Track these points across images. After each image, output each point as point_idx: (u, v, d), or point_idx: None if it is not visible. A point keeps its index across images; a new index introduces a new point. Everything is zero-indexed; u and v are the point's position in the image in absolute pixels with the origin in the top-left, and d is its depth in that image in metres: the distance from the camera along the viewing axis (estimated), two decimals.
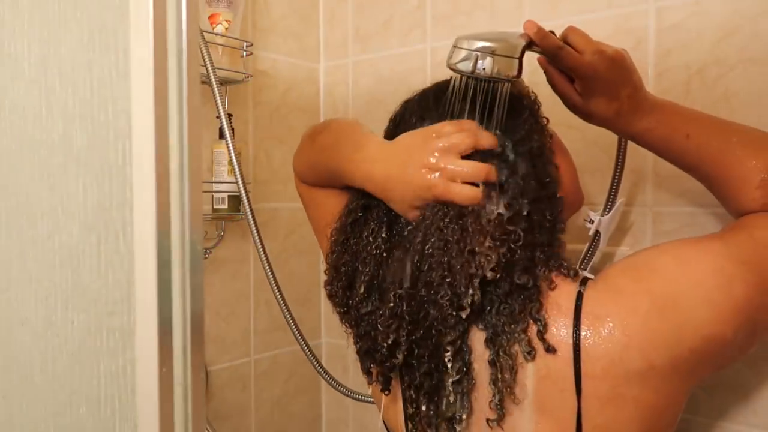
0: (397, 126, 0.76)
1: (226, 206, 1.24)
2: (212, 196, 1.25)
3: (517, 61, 0.67)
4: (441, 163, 0.65)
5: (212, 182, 1.24)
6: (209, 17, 1.23)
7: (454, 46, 0.69)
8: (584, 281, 0.65)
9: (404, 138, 0.70)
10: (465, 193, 0.65)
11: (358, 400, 1.22)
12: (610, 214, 0.94)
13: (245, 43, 1.29)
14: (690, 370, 0.61)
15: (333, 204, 0.82)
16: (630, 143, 0.85)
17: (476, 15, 1.22)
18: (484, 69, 0.66)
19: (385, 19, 1.37)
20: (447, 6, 1.27)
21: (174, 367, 0.44)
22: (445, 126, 0.68)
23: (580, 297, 0.63)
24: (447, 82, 0.73)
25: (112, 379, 0.49)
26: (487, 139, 0.67)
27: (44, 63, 0.54)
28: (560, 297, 0.64)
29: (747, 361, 0.94)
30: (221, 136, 1.21)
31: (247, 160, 1.36)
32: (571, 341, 0.62)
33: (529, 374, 0.64)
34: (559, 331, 0.63)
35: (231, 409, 1.36)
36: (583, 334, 0.61)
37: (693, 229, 0.97)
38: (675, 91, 0.98)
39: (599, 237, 0.96)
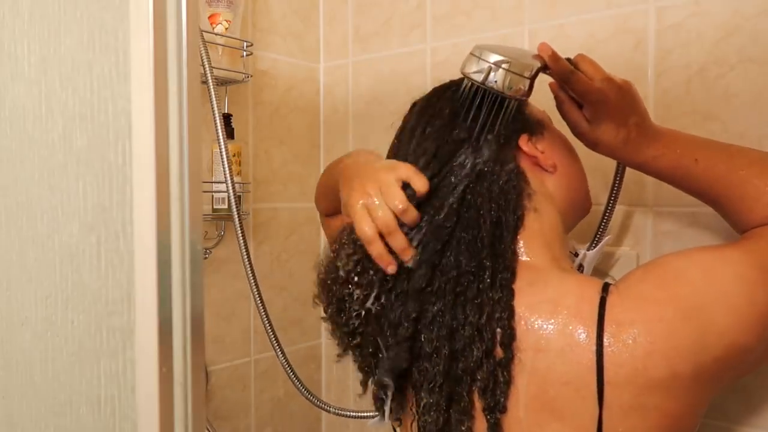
0: (402, 131, 0.78)
1: (226, 206, 1.24)
2: (212, 196, 1.25)
3: (528, 80, 0.68)
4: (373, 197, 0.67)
5: (212, 182, 1.24)
6: (209, 17, 1.23)
7: (471, 54, 0.69)
8: (605, 287, 0.65)
9: (375, 160, 0.74)
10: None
11: (329, 411, 1.20)
12: (595, 249, 0.93)
13: (245, 43, 1.29)
14: (713, 378, 0.61)
15: None
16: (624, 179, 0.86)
17: (476, 15, 1.22)
18: (495, 82, 0.67)
19: (385, 19, 1.37)
20: (447, 6, 1.27)
21: (174, 367, 0.44)
22: (401, 169, 0.68)
23: (603, 304, 0.63)
24: (451, 89, 0.75)
25: (112, 378, 0.49)
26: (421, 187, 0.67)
27: (44, 63, 0.54)
28: (582, 304, 0.63)
29: None
30: None
31: (247, 160, 1.36)
32: (594, 348, 0.61)
33: (551, 381, 0.63)
34: (582, 338, 0.62)
35: (231, 409, 1.35)
36: (606, 341, 0.61)
37: (694, 229, 0.97)
38: (675, 91, 0.98)
39: (582, 270, 0.95)
